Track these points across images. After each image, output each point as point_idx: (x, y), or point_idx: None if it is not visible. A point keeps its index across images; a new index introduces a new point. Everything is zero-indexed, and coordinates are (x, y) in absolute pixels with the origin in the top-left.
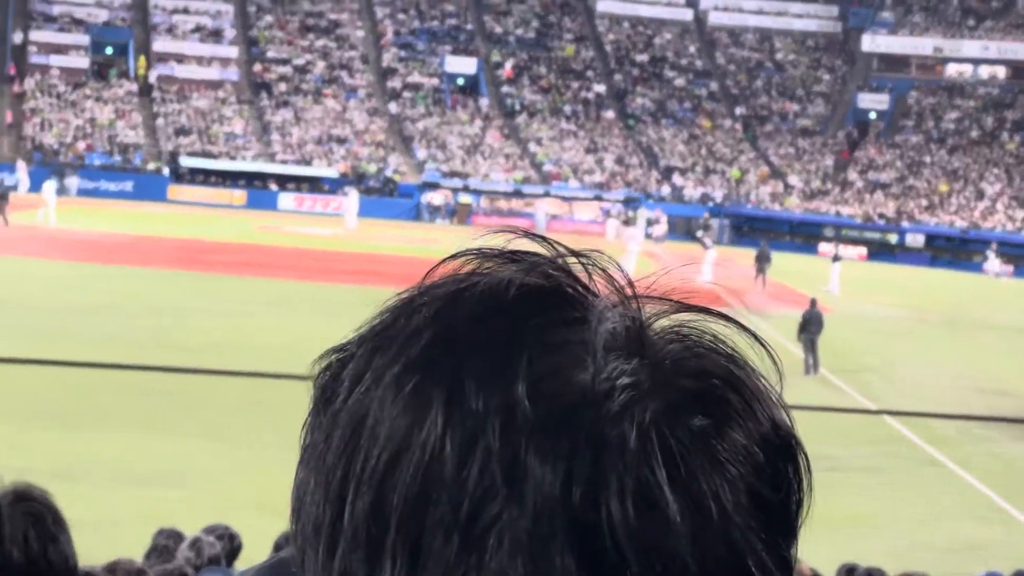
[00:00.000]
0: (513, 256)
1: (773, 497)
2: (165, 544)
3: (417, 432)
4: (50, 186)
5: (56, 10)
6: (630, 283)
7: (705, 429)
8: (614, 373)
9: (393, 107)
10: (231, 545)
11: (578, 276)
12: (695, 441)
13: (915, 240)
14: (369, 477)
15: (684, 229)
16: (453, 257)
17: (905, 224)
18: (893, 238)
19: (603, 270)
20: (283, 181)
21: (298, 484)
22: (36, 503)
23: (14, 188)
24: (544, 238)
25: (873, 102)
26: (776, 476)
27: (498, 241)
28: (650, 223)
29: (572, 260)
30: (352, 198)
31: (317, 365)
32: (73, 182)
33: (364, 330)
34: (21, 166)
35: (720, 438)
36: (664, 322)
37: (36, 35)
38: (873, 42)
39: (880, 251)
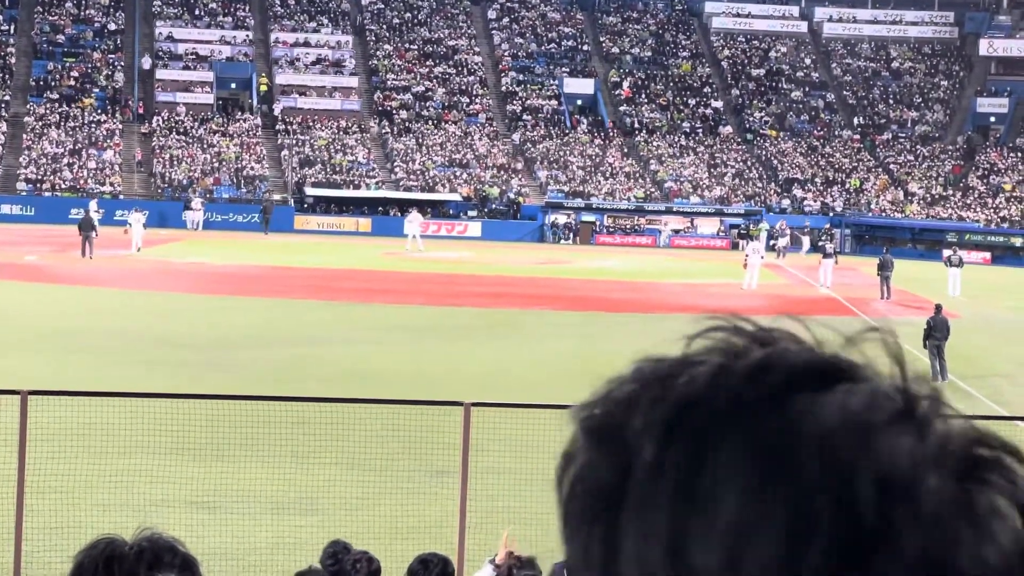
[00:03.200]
0: (768, 336)
1: None
2: (333, 553)
3: (761, 515)
4: (137, 218)
5: (181, 48)
6: (903, 366)
7: (974, 491)
8: (900, 447)
9: (514, 130)
10: (369, 568)
11: (851, 356)
12: (972, 503)
13: None
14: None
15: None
16: (711, 330)
17: None
18: (1017, 241)
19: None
20: (407, 207)
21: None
22: (163, 554)
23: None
24: (807, 326)
25: (992, 106)
26: None
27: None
28: (773, 236)
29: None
30: (414, 216)
31: (564, 460)
32: (198, 216)
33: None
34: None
35: (991, 498)
36: (926, 403)
37: (162, 73)
38: (990, 46)
39: (1004, 255)
